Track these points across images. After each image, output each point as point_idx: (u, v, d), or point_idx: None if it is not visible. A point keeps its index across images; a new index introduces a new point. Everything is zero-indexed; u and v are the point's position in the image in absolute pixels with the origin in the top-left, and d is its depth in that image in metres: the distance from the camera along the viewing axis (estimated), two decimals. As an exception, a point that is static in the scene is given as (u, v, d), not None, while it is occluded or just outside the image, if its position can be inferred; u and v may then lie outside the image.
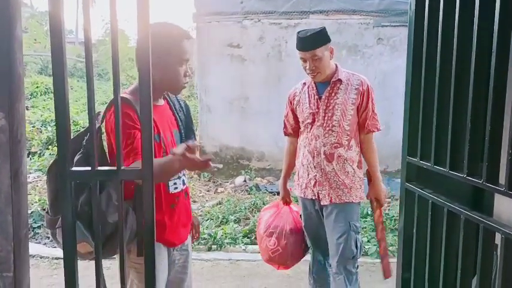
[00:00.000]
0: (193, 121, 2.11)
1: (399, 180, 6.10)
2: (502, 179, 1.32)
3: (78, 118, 8.99)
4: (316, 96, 2.60)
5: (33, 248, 4.11)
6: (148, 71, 1.10)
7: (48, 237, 4.49)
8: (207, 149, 6.84)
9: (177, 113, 1.97)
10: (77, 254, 1.61)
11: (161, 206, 1.82)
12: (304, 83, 2.70)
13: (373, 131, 2.61)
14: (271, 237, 2.77)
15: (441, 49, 1.57)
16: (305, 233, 2.79)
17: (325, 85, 2.58)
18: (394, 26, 6.63)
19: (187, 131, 1.98)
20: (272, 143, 6.57)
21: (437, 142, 1.60)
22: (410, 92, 1.76)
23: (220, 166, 6.82)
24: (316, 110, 2.58)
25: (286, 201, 2.91)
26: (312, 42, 2.48)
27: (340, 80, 2.56)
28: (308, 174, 2.65)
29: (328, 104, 2.55)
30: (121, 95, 1.71)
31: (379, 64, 6.65)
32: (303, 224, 2.78)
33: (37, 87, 12.26)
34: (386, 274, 2.71)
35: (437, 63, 1.58)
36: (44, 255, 4.04)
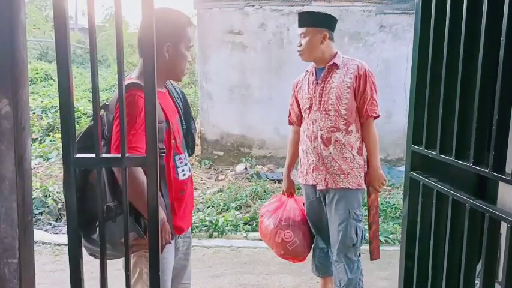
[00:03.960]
0: (194, 108, 2.11)
1: (400, 168, 6.07)
2: (509, 168, 1.32)
3: (78, 105, 8.97)
4: (314, 81, 2.62)
5: (36, 234, 4.11)
6: (153, 57, 1.09)
7: (50, 224, 4.51)
8: (208, 137, 6.84)
9: (176, 100, 1.97)
10: (122, 248, 1.63)
11: (172, 193, 1.82)
12: (307, 71, 2.72)
13: (372, 116, 2.59)
14: (286, 230, 2.73)
15: (449, 36, 1.54)
16: (308, 221, 2.79)
17: (323, 70, 2.61)
18: (397, 13, 6.58)
19: (186, 117, 1.99)
20: (273, 131, 6.56)
21: (443, 131, 1.59)
22: (416, 79, 1.74)
23: (221, 153, 6.82)
24: (314, 95, 2.60)
25: (290, 193, 2.90)
26: (304, 20, 2.56)
27: (335, 65, 2.57)
28: (308, 160, 2.66)
29: (324, 88, 2.57)
30: (131, 81, 1.71)
31: (381, 52, 6.62)
32: (306, 212, 2.79)
33: (37, 73, 12.23)
34: (374, 255, 2.75)
35: (445, 50, 1.56)
36: (46, 241, 4.07)
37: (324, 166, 2.59)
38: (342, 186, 2.58)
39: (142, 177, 1.63)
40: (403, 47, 6.43)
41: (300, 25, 2.58)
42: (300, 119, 2.78)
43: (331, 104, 2.54)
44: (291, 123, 2.86)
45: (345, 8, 6.49)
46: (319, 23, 2.56)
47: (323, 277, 2.92)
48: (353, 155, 2.59)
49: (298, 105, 2.75)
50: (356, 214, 2.59)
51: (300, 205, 2.84)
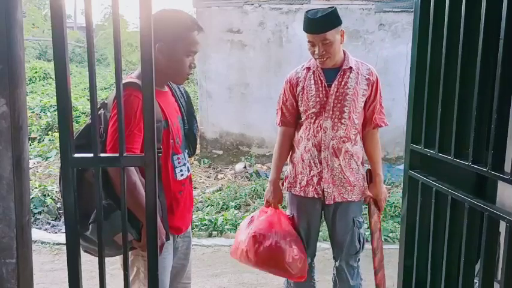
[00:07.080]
0: (193, 107, 2.11)
1: (399, 167, 6.08)
2: (507, 167, 1.32)
3: (77, 104, 8.97)
4: (324, 84, 2.36)
5: (34, 233, 4.12)
6: (151, 56, 1.08)
7: (49, 223, 4.51)
8: (207, 136, 6.83)
9: (179, 99, 1.96)
10: (114, 246, 1.63)
11: (169, 193, 1.82)
12: (308, 68, 2.43)
13: (381, 126, 2.42)
14: (293, 247, 2.41)
15: (447, 34, 1.54)
16: (302, 235, 2.51)
17: (334, 72, 2.36)
18: (396, 11, 6.57)
19: (189, 117, 1.98)
20: (272, 129, 6.51)
21: (442, 129, 1.59)
22: (415, 78, 1.74)
23: (220, 152, 6.82)
24: (325, 100, 2.34)
25: (277, 204, 2.58)
26: (323, 24, 2.23)
27: (350, 68, 2.35)
28: (310, 171, 2.42)
29: (338, 94, 2.34)
30: (128, 80, 1.70)
31: (380, 50, 6.61)
32: (301, 226, 2.51)
33: (36, 72, 12.23)
34: None
35: (443, 48, 1.56)
36: (45, 240, 4.06)
37: (332, 178, 2.38)
38: (349, 199, 2.41)
39: (134, 177, 1.63)
40: (403, 45, 6.42)
41: (319, 31, 2.23)
42: (295, 121, 2.49)
43: (345, 112, 2.33)
44: (284, 124, 2.50)
45: (344, 6, 6.48)
46: (336, 21, 2.26)
47: None
48: (358, 166, 2.42)
49: (297, 105, 2.45)
50: (359, 222, 2.46)
51: (285, 216, 2.54)
